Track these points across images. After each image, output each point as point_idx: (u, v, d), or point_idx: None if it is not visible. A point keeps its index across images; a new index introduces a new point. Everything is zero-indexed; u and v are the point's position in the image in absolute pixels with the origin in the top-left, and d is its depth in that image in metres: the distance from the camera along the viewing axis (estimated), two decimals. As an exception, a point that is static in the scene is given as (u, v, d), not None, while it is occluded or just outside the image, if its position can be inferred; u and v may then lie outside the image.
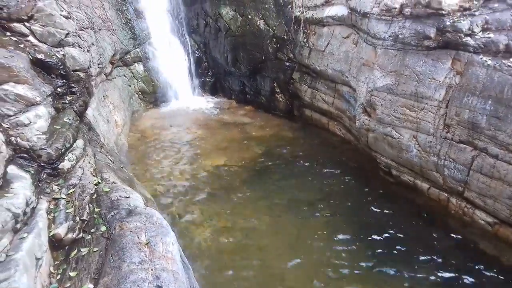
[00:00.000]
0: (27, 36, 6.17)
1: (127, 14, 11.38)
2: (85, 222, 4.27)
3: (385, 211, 6.99)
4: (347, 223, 6.73)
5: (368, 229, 6.53)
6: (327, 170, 8.49)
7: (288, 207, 7.23)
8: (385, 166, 7.87)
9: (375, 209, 7.06)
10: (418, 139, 6.87)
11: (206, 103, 13.36)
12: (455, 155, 6.33)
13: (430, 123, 6.61)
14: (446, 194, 6.81)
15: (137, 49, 12.02)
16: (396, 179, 7.67)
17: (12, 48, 5.73)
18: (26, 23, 6.20)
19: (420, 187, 7.22)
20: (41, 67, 5.91)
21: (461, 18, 6.13)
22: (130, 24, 11.48)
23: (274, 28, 11.46)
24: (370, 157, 8.34)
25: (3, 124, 4.68)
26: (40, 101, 5.20)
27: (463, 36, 6.04)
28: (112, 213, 4.31)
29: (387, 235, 6.42)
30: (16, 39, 6.02)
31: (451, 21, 6.16)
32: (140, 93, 12.38)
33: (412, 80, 6.78)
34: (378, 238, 6.37)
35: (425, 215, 6.83)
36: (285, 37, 11.31)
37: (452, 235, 6.37)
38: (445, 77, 6.32)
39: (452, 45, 6.24)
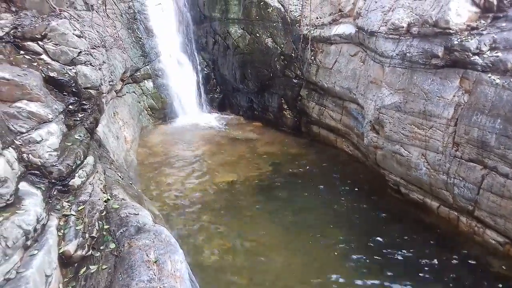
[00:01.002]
0: (41, 54, 6.32)
1: (138, 32, 11.62)
2: (94, 239, 4.29)
3: (395, 229, 6.93)
4: (356, 242, 6.66)
5: (379, 249, 6.46)
6: (335, 187, 8.47)
7: (297, 225, 7.18)
8: (394, 184, 7.82)
9: (384, 228, 7.00)
10: (427, 157, 6.84)
11: (214, 119, 13.45)
12: (465, 173, 6.28)
13: (439, 141, 6.59)
14: (456, 213, 6.73)
15: (147, 67, 12.23)
16: (405, 197, 7.61)
17: (26, 66, 5.87)
18: (39, 42, 6.36)
19: (429, 205, 7.15)
20: (54, 84, 6.02)
21: (469, 37, 6.16)
22: (140, 42, 11.71)
23: (282, 46, 11.59)
24: (378, 174, 8.30)
25: (15, 141, 4.76)
26: (52, 118, 5.29)
27: (471, 55, 6.06)
28: (121, 230, 4.34)
29: (397, 254, 6.35)
30: (30, 58, 6.17)
31: (459, 40, 6.19)
32: (149, 109, 12.54)
33: (420, 98, 6.79)
34: (389, 257, 6.29)
35: (435, 234, 6.74)
36: (293, 54, 11.43)
37: (463, 254, 6.27)
38: (454, 96, 6.32)
39: (460, 64, 6.26)
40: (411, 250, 6.41)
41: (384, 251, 6.42)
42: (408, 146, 7.16)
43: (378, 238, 6.75)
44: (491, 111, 5.78)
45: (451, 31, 6.30)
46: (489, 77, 5.88)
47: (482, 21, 6.24)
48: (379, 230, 6.95)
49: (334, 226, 7.14)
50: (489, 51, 5.98)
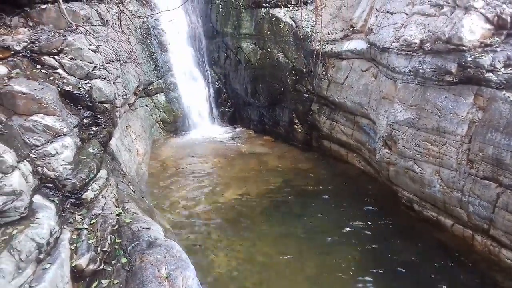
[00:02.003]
0: (57, 68, 6.44)
1: (152, 47, 11.80)
2: (106, 253, 4.30)
3: (409, 248, 6.81)
4: (369, 260, 6.56)
5: (392, 266, 6.36)
6: (347, 203, 8.38)
7: (308, 241, 7.11)
8: (407, 201, 7.72)
9: (398, 246, 6.89)
10: (441, 174, 6.76)
11: (225, 133, 13.50)
12: (480, 191, 6.18)
13: (453, 158, 6.51)
14: (470, 231, 6.61)
15: (159, 80, 12.38)
16: (418, 214, 7.50)
17: (42, 80, 5.99)
18: (56, 57, 6.49)
19: (443, 223, 7.04)
20: (69, 98, 6.13)
21: (483, 54, 6.12)
22: (154, 57, 11.88)
23: (294, 60, 11.65)
24: (391, 190, 8.21)
25: (31, 154, 4.83)
26: (67, 131, 5.36)
27: (485, 72, 6.02)
28: (133, 245, 4.34)
29: (411, 273, 6.23)
30: (46, 72, 6.30)
31: (472, 57, 6.16)
32: (161, 122, 12.64)
33: (434, 114, 6.75)
34: (402, 276, 6.19)
35: (450, 253, 6.62)
36: (304, 69, 11.47)
37: (478, 274, 6.14)
38: (468, 112, 6.26)
39: (474, 81, 6.22)
40: (424, 269, 6.29)
41: (397, 269, 6.31)
42: (421, 163, 7.08)
43: (392, 256, 6.64)
44: (506, 128, 5.71)
45: (464, 48, 6.28)
46: (504, 94, 5.83)
47: (496, 38, 6.21)
48: (392, 248, 6.84)
49: (346, 243, 7.05)
50: (503, 68, 5.94)
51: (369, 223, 7.62)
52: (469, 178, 6.32)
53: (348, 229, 7.48)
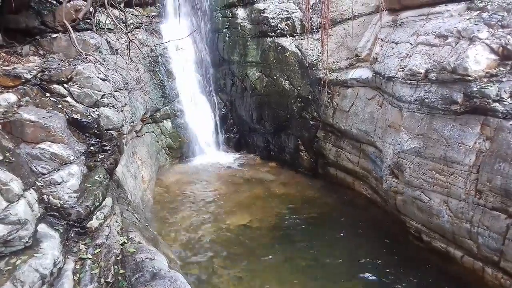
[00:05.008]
0: (66, 97, 6.54)
1: (159, 74, 11.99)
2: (110, 285, 4.24)
3: (417, 280, 6.66)
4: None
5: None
6: (354, 232, 8.25)
7: (314, 273, 6.97)
8: (415, 231, 7.59)
9: (406, 278, 6.73)
10: (449, 204, 6.66)
11: (230, 159, 13.49)
12: (489, 222, 6.07)
13: (461, 188, 6.43)
14: (481, 263, 6.44)
15: (166, 107, 12.49)
16: (427, 245, 7.35)
17: (51, 108, 6.08)
18: (65, 85, 6.61)
19: (453, 254, 6.88)
20: (77, 126, 6.19)
21: (489, 84, 6.14)
22: (161, 84, 12.05)
23: (299, 88, 11.76)
24: (398, 220, 8.08)
25: (37, 183, 4.84)
26: (73, 159, 5.39)
27: (491, 102, 6.01)
28: (137, 276, 4.28)
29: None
30: (55, 100, 6.39)
31: (478, 87, 6.18)
32: (167, 148, 12.68)
33: (441, 144, 6.72)
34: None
35: (460, 286, 6.46)
36: (310, 97, 11.56)
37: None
38: (475, 142, 6.23)
39: (480, 111, 6.21)
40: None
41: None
42: (429, 192, 7.00)
43: (400, 288, 6.49)
44: (515, 159, 5.65)
45: (470, 78, 6.30)
46: (511, 124, 5.80)
47: (502, 69, 6.23)
48: (401, 280, 6.68)
49: (354, 275, 6.90)
50: (509, 98, 5.93)
51: (377, 253, 7.47)
52: (478, 209, 6.22)
53: (355, 260, 7.32)
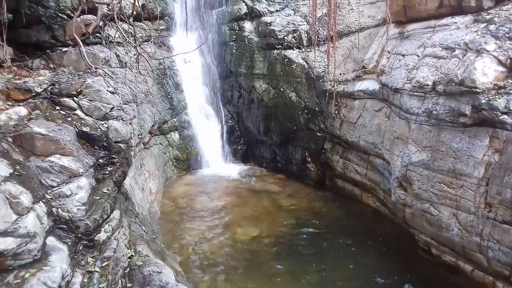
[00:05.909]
0: (75, 110, 6.62)
1: (167, 87, 12.11)
2: (117, 298, 4.23)
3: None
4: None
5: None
6: (362, 246, 8.15)
7: (323, 286, 6.89)
8: (424, 244, 7.49)
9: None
10: (458, 217, 6.58)
11: (237, 171, 13.48)
12: (499, 236, 5.98)
13: (471, 201, 6.36)
14: (491, 278, 6.33)
15: (174, 119, 12.59)
16: (436, 259, 7.24)
17: (61, 121, 6.15)
18: (75, 98, 6.70)
19: (463, 268, 6.77)
20: (86, 139, 6.25)
21: (497, 96, 6.11)
22: (169, 96, 12.17)
23: (306, 100, 11.79)
24: (407, 233, 7.99)
25: (46, 195, 4.88)
26: (82, 172, 5.43)
27: (500, 114, 5.98)
28: (144, 290, 4.27)
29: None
30: (65, 113, 6.47)
31: (486, 99, 6.15)
32: (174, 160, 12.74)
33: (449, 156, 6.67)
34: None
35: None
36: (317, 108, 11.58)
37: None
38: (484, 155, 6.17)
39: (488, 123, 6.17)
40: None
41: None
42: (438, 205, 6.93)
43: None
44: (525, 171, 5.59)
45: (478, 90, 6.29)
46: (520, 136, 5.76)
47: (510, 81, 6.21)
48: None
49: (362, 288, 6.84)
50: (518, 111, 5.90)
51: (386, 267, 7.38)
52: (488, 222, 6.14)
53: (363, 274, 7.24)
